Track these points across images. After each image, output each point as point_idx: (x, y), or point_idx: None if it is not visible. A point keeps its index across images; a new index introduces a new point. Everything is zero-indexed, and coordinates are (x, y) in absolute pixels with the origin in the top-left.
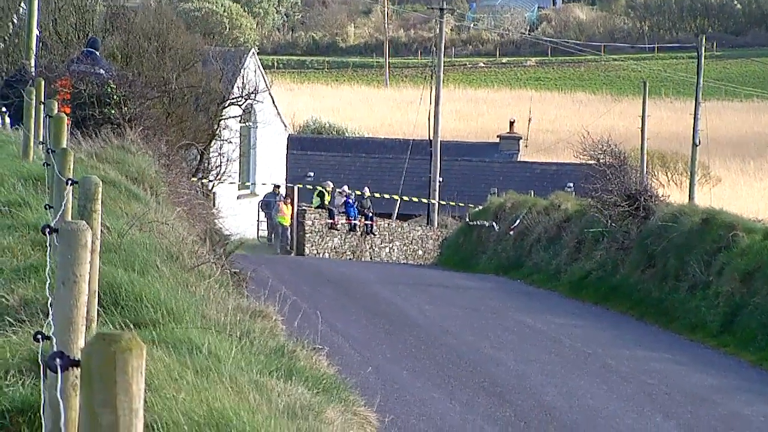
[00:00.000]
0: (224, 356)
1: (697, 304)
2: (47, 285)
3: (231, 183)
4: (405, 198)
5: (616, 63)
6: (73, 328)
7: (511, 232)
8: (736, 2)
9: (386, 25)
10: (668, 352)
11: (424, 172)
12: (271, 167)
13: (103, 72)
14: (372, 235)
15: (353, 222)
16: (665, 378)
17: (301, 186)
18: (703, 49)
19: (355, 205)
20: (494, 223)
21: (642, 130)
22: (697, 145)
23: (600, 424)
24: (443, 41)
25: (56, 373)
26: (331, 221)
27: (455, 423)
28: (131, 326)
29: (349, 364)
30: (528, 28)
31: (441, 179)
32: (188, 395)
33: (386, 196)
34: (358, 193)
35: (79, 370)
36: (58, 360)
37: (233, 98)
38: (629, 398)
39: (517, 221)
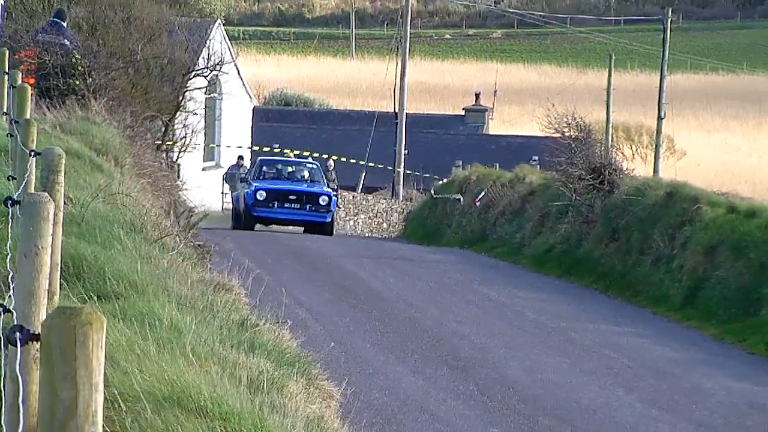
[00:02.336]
0: (186, 329)
1: (660, 278)
2: (8, 258)
3: (196, 154)
4: (371, 164)
5: (582, 35)
6: (34, 301)
7: (477, 205)
8: None
9: None
10: (631, 326)
11: (390, 144)
12: (237, 139)
13: (68, 43)
14: (336, 208)
15: None
16: (628, 351)
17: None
18: (669, 21)
19: None
20: (459, 196)
21: (607, 103)
22: (662, 118)
23: (562, 397)
24: (409, 13)
25: (16, 347)
26: None
27: (418, 397)
28: (93, 299)
29: (312, 338)
30: (494, 0)
31: (406, 151)
32: (150, 369)
33: (353, 161)
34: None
35: (40, 344)
36: (18, 334)
37: (199, 69)
38: (592, 372)
39: (482, 194)
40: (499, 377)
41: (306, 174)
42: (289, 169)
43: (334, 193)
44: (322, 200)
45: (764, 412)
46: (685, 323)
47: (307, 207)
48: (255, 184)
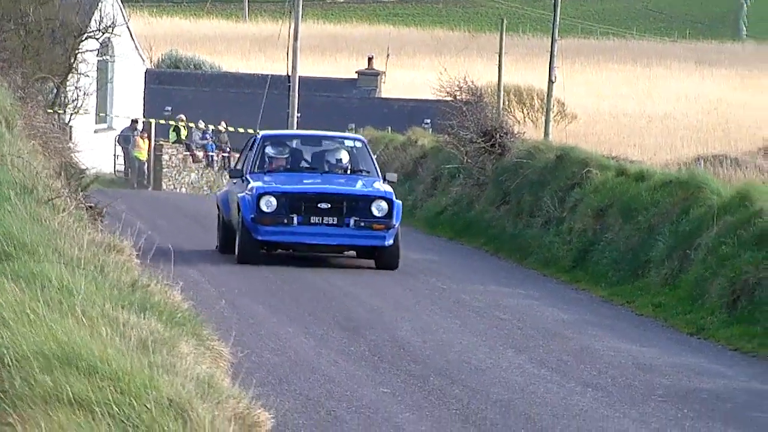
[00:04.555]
0: (77, 290)
1: (550, 240)
2: None
3: (88, 116)
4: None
5: (473, 0)
6: None
7: None
8: None
9: None
10: (521, 288)
11: (283, 107)
12: (129, 101)
13: None
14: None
15: (211, 156)
16: (518, 313)
17: (157, 121)
18: None
19: (212, 140)
20: None
21: (499, 67)
22: (553, 82)
23: (453, 358)
24: None
25: None
26: (189, 155)
27: (309, 357)
28: None
29: (204, 299)
30: None
31: (299, 114)
32: (39, 329)
33: (240, 130)
34: (215, 128)
35: None
36: None
37: (90, 32)
38: (482, 333)
39: (375, 157)
40: (390, 338)
41: (344, 158)
42: (314, 149)
43: (227, 156)
44: (377, 208)
45: (650, 372)
46: (575, 285)
47: (351, 221)
48: (256, 184)
